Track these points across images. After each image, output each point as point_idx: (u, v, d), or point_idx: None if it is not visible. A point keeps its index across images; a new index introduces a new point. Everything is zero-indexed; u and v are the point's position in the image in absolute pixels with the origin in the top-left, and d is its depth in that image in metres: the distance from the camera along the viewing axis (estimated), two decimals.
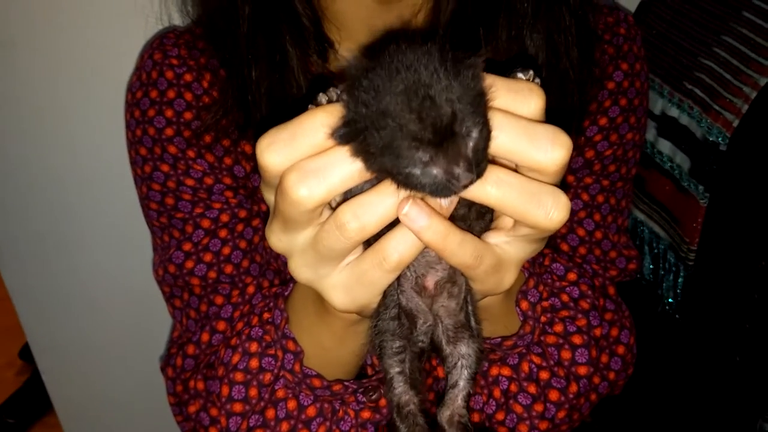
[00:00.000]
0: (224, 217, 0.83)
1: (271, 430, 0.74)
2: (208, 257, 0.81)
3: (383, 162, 0.45)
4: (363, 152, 0.46)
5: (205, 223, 0.82)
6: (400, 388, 0.59)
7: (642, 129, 0.89)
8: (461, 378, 0.59)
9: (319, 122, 0.46)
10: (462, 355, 0.59)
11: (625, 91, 0.86)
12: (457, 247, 0.50)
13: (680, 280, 1.20)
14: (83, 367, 1.43)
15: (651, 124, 1.22)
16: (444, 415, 0.59)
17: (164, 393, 0.86)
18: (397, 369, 0.59)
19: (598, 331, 0.77)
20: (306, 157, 0.48)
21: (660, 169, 1.20)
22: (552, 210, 0.49)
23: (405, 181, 0.46)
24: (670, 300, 1.22)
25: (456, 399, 0.59)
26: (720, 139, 1.09)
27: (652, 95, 1.22)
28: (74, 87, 1.14)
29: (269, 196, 0.53)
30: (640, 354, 0.85)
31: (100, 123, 1.16)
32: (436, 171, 0.44)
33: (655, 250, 1.24)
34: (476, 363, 0.59)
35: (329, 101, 0.48)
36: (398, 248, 0.51)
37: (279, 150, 0.48)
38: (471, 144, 0.44)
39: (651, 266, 1.25)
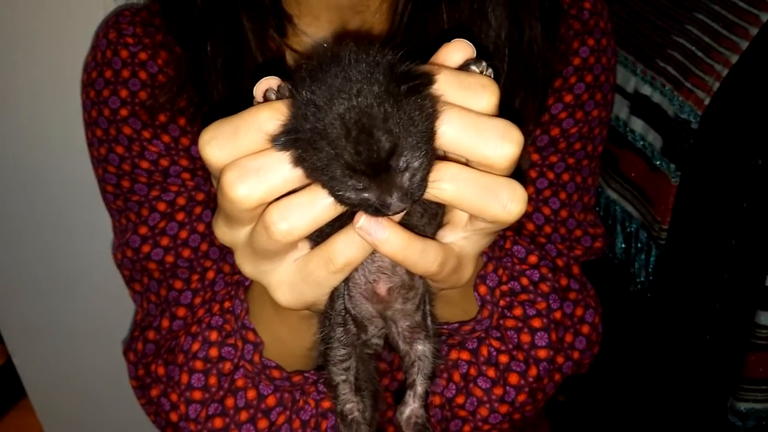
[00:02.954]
0: (181, 200, 0.81)
1: (231, 419, 0.73)
2: (164, 241, 0.80)
3: (319, 178, 0.44)
4: (301, 163, 0.44)
5: (161, 207, 0.80)
6: (344, 396, 0.58)
7: (608, 106, 0.88)
8: (418, 377, 0.58)
9: (263, 120, 0.44)
10: (418, 355, 0.58)
11: (591, 67, 0.84)
12: (419, 256, 0.49)
13: (652, 259, 1.20)
14: (55, 350, 1.41)
15: (624, 102, 1.20)
16: (402, 415, 0.58)
17: None
18: (342, 377, 0.58)
19: (558, 314, 0.76)
20: (247, 154, 0.46)
21: (632, 147, 1.19)
22: (509, 202, 0.48)
23: (339, 200, 0.45)
24: (641, 279, 1.22)
25: (414, 400, 0.58)
26: (691, 117, 1.08)
27: (625, 73, 1.21)
28: (33, 67, 1.11)
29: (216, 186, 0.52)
30: (612, 332, 0.85)
31: (63, 104, 1.13)
32: (369, 196, 0.43)
33: (628, 230, 1.24)
34: (433, 362, 0.58)
35: (280, 97, 0.46)
36: (345, 250, 0.49)
37: (221, 145, 0.46)
38: (407, 174, 0.43)
39: (623, 245, 1.24)
